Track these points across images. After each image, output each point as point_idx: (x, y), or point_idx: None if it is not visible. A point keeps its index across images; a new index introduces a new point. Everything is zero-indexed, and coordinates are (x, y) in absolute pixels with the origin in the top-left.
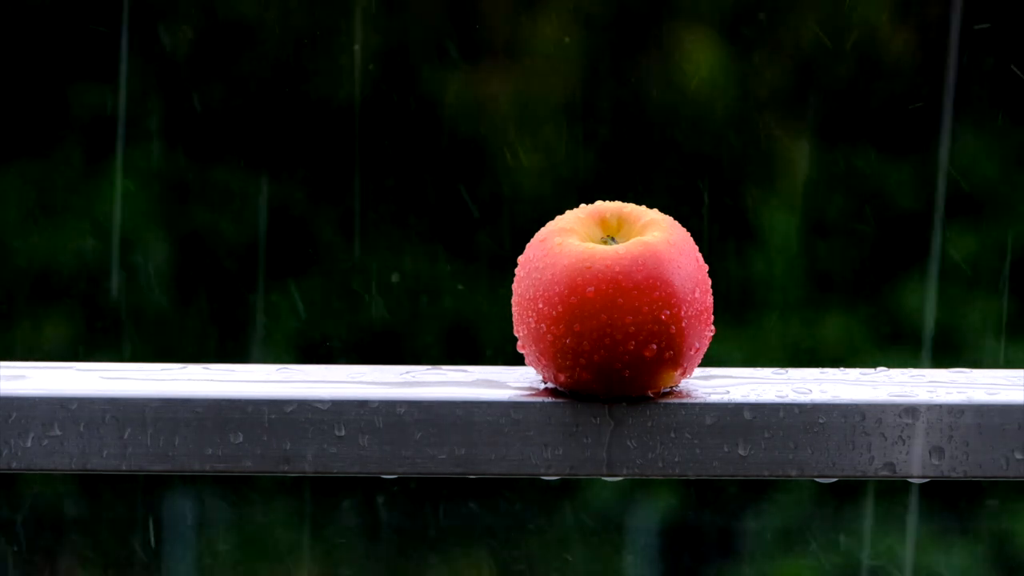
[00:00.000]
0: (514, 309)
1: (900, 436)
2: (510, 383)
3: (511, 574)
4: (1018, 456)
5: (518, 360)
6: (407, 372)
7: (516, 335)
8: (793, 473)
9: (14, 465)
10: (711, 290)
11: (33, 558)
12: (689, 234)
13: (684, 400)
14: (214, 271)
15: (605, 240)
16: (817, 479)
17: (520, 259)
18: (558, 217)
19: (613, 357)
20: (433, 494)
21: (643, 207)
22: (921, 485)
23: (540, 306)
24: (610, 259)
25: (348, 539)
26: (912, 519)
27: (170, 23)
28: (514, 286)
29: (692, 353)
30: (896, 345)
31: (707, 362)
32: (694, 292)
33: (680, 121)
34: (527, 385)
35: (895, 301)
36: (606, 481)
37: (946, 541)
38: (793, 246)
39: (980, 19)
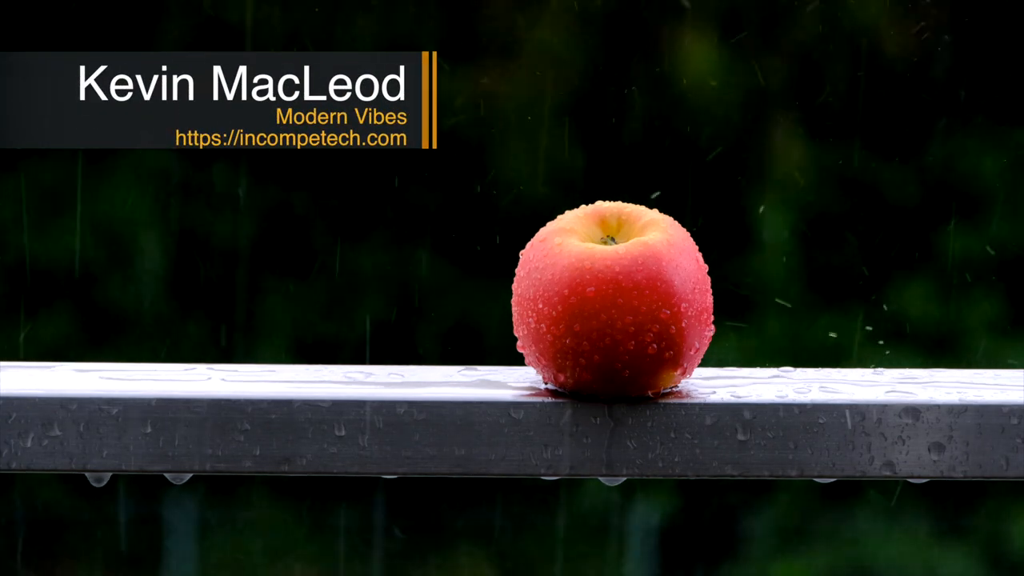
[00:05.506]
0: (514, 309)
1: (900, 436)
2: (510, 383)
3: (511, 574)
4: (1018, 456)
5: (518, 360)
6: (407, 372)
7: (516, 335)
8: (793, 473)
9: (14, 465)
10: (711, 290)
11: (33, 558)
12: (689, 234)
13: (684, 400)
14: (213, 271)
15: (605, 240)
16: (817, 479)
17: (520, 259)
18: (558, 217)
19: (613, 357)
20: (433, 494)
21: (643, 207)
22: (920, 485)
23: (540, 306)
24: (610, 259)
25: (348, 539)
26: (911, 519)
27: (169, 18)
28: (514, 286)
29: (692, 353)
30: (896, 345)
31: (707, 362)
32: (694, 292)
33: (679, 120)
34: (527, 385)
35: (895, 301)
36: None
37: (945, 541)
38: (792, 246)
39: (979, 18)
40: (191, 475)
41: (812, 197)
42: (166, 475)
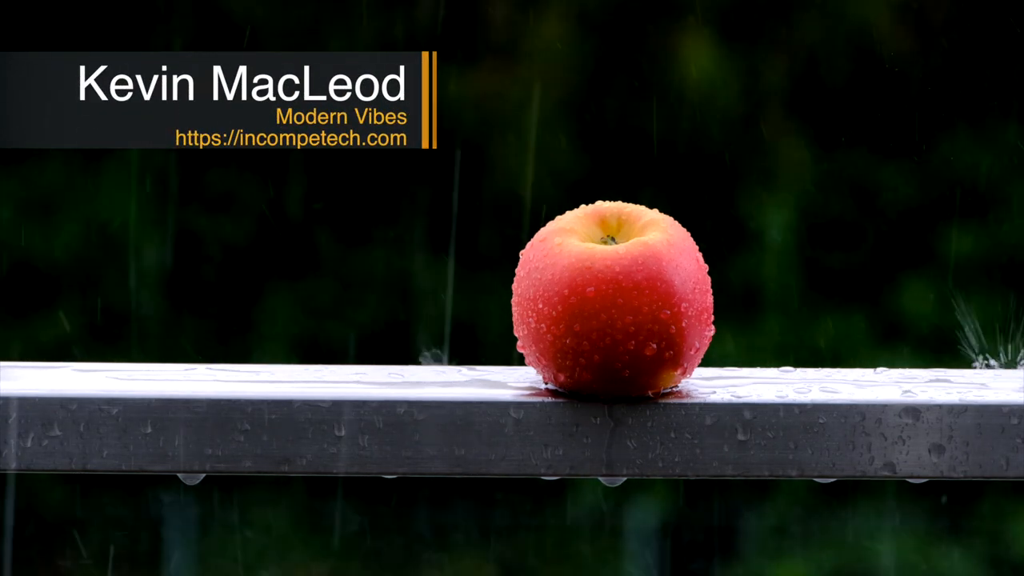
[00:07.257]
0: (514, 309)
1: (900, 436)
2: (510, 383)
3: (511, 574)
4: (1018, 456)
5: (518, 360)
6: (407, 372)
7: (516, 335)
8: (793, 473)
9: (14, 465)
10: (711, 290)
11: (32, 558)
12: (689, 234)
13: (684, 400)
14: (213, 271)
15: (605, 240)
16: (817, 479)
17: (520, 259)
18: (558, 217)
19: (613, 357)
20: (433, 494)
21: (643, 207)
22: (920, 485)
23: (540, 306)
24: (610, 259)
25: (348, 539)
26: (911, 519)
27: (170, 19)
28: (514, 286)
29: (692, 353)
30: (896, 345)
31: (707, 362)
32: (694, 292)
33: (679, 121)
34: (527, 385)
35: (895, 301)
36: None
37: (945, 541)
38: (793, 246)
39: (980, 18)
40: (204, 475)
41: (812, 197)
42: (179, 475)
